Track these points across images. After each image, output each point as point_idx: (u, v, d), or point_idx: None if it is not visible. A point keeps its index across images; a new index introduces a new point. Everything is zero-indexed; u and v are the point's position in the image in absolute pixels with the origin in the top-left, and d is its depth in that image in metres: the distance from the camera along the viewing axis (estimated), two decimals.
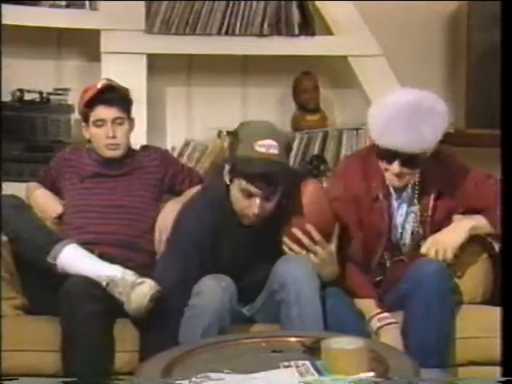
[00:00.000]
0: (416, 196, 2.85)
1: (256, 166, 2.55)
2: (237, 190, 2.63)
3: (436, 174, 2.84)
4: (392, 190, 2.84)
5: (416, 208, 2.85)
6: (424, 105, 2.68)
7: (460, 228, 2.80)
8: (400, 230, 2.86)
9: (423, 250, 2.77)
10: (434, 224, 2.84)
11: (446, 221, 2.84)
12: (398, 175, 2.73)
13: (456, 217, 2.91)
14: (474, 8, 3.81)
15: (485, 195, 2.82)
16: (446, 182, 2.84)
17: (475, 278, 2.95)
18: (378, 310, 2.71)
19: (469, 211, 2.87)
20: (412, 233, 2.85)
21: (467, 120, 3.84)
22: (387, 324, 2.68)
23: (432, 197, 2.84)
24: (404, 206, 2.86)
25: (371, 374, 1.99)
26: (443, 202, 2.85)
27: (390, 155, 2.70)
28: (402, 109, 2.66)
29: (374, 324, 2.69)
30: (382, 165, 2.75)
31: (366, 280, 2.81)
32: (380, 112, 2.72)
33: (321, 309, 2.63)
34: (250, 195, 2.61)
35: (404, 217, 2.86)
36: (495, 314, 2.42)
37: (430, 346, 2.60)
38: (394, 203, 2.85)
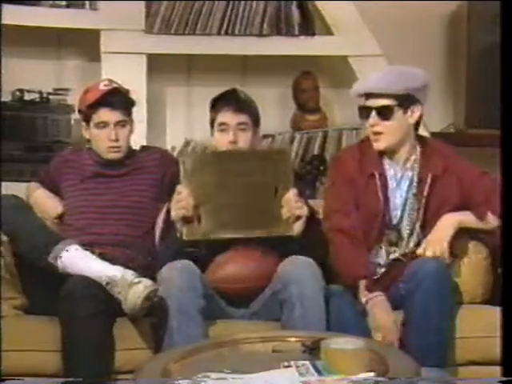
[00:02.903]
0: (415, 179, 2.88)
1: (225, 95, 2.97)
2: (216, 130, 2.92)
3: (433, 162, 2.88)
4: (388, 169, 2.88)
5: (415, 191, 2.87)
6: (400, 67, 2.93)
7: (447, 222, 2.83)
8: (400, 213, 2.87)
9: (419, 251, 2.79)
10: (429, 211, 2.86)
11: (440, 209, 2.86)
12: (374, 127, 2.83)
13: None
14: (473, 8, 3.80)
15: (477, 191, 2.86)
16: (442, 171, 2.88)
17: (475, 277, 2.95)
18: (365, 292, 2.73)
19: (460, 205, 2.88)
20: (410, 216, 2.87)
21: (467, 120, 3.84)
22: (373, 298, 2.70)
23: (428, 182, 2.86)
24: (404, 187, 2.88)
25: (371, 374, 1.99)
26: (438, 190, 2.86)
27: (366, 109, 2.84)
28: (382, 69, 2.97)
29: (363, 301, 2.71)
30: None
31: (359, 258, 2.80)
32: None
33: (324, 310, 2.63)
34: (225, 129, 2.89)
35: (404, 198, 2.87)
36: (495, 313, 2.42)
37: (429, 344, 2.60)
38: (391, 183, 2.88)
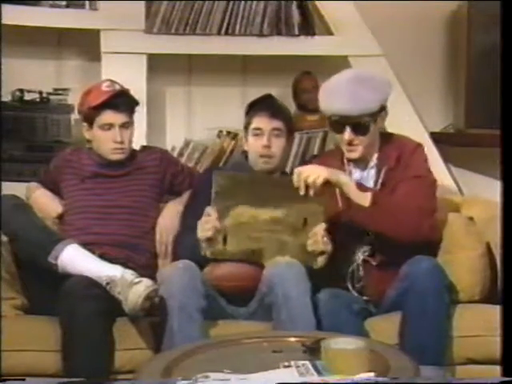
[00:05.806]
0: (374, 174, 2.90)
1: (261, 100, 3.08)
2: (250, 134, 3.01)
3: (388, 154, 2.90)
4: (354, 172, 2.90)
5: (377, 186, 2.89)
6: (363, 75, 2.88)
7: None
8: None
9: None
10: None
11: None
12: (350, 143, 2.83)
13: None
14: (474, 8, 3.79)
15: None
16: (395, 162, 2.87)
17: (473, 275, 2.94)
18: None
19: None
20: None
21: (467, 120, 3.83)
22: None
23: (382, 176, 2.87)
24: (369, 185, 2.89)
25: (371, 374, 1.99)
26: (390, 180, 2.86)
27: (339, 124, 2.83)
28: (343, 79, 2.84)
29: None
30: (339, 139, 2.86)
31: None
32: (326, 86, 2.92)
33: (311, 310, 2.63)
34: (260, 133, 2.97)
35: None
36: (494, 312, 2.42)
37: (426, 342, 2.60)
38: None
